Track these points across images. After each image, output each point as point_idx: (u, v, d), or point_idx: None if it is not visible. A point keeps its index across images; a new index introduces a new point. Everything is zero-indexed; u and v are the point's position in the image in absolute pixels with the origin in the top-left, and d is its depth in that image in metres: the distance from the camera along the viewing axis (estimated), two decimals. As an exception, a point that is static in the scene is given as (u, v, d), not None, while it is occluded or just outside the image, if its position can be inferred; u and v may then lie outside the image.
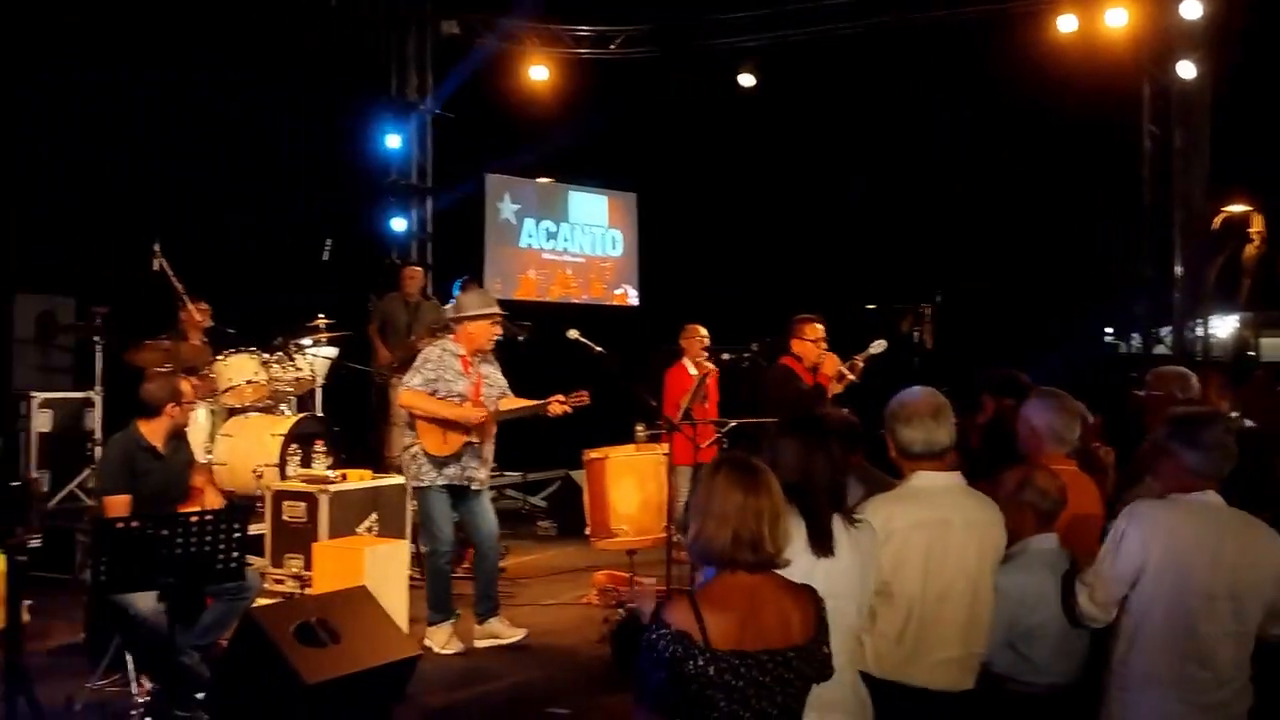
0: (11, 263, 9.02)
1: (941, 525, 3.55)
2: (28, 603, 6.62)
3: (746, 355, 9.15)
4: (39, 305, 9.13)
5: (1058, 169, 12.12)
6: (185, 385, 5.98)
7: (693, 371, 8.60)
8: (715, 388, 8.80)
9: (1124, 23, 10.69)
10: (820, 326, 7.37)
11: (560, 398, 6.45)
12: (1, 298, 8.96)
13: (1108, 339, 13.92)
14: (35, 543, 6.93)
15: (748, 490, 2.69)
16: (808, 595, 2.76)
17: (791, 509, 3.05)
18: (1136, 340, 12.34)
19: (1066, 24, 10.89)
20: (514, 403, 6.67)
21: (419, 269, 10.77)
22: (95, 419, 8.60)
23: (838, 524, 3.18)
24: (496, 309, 6.63)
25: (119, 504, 5.46)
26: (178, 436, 5.90)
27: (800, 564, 2.96)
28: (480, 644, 6.55)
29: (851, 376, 7.25)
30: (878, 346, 7.31)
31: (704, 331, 8.81)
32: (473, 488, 6.53)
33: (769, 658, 2.62)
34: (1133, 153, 11.33)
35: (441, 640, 6.44)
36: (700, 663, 2.55)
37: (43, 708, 4.51)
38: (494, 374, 6.66)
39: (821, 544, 3.10)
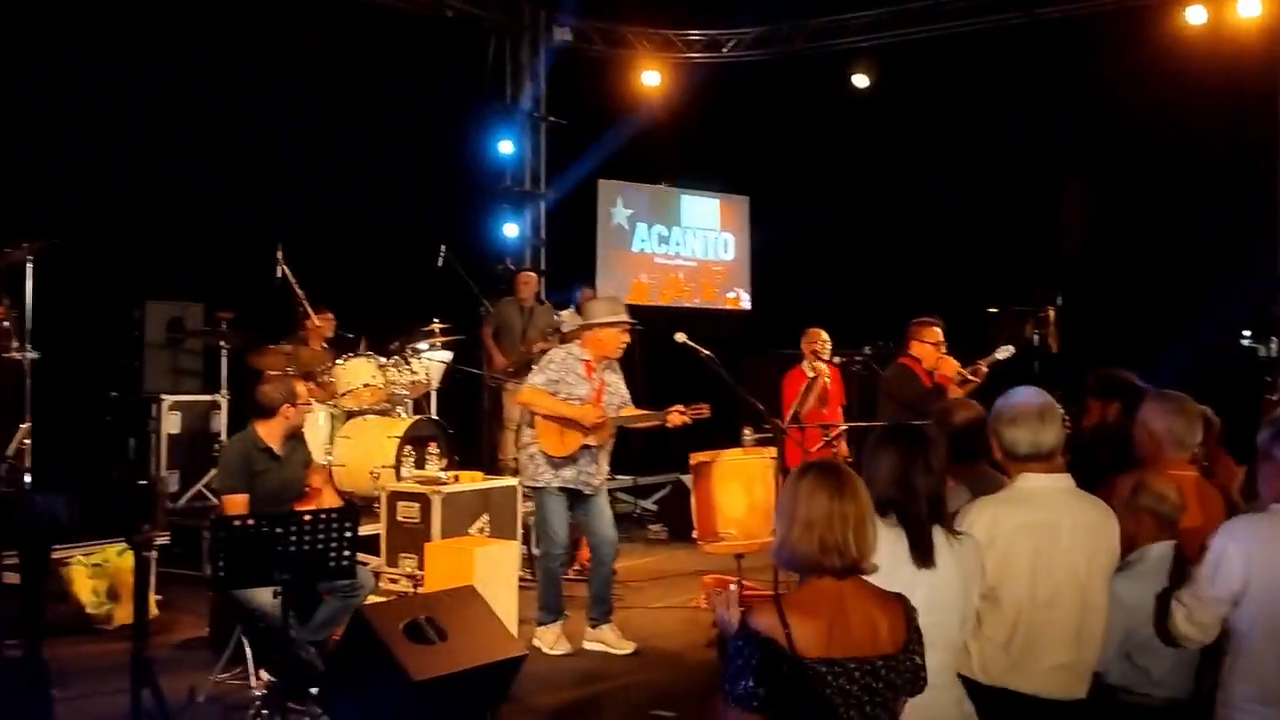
0: (143, 271, 9.37)
1: (1049, 528, 3.45)
2: (157, 598, 6.93)
3: (859, 358, 9.03)
4: (169, 311, 9.43)
5: (1189, 167, 11.69)
6: (300, 387, 6.13)
7: (810, 374, 8.53)
8: (839, 391, 8.71)
9: (1258, 13, 10.32)
10: (939, 330, 7.30)
11: (680, 408, 6.38)
12: (134, 304, 9.30)
13: (1245, 342, 13.34)
14: (163, 540, 7.16)
15: (833, 495, 2.64)
16: (898, 603, 2.71)
17: (891, 520, 3.00)
18: (1276, 343, 11.81)
19: (1195, 16, 10.57)
20: (634, 412, 6.65)
21: (533, 274, 10.90)
22: (221, 421, 8.87)
23: (939, 535, 3.11)
24: (626, 317, 6.58)
25: (237, 502, 5.62)
26: (295, 437, 6.06)
27: (901, 576, 2.91)
28: (589, 646, 6.58)
29: (975, 380, 7.14)
30: (1004, 352, 7.19)
31: (824, 335, 8.72)
32: (586, 491, 6.54)
33: (856, 666, 2.58)
34: (1270, 149, 10.88)
35: (550, 641, 6.48)
36: (785, 669, 2.52)
37: (166, 698, 4.68)
38: (617, 383, 6.63)
39: (923, 554, 3.03)
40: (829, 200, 12.95)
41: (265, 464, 5.82)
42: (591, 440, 6.43)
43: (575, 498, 6.55)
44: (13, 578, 5.42)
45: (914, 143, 12.48)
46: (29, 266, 7.15)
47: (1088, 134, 11.83)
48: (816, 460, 2.83)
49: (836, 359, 8.91)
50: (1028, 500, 3.49)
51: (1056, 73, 11.37)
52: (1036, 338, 11.39)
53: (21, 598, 5.32)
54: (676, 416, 6.36)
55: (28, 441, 7.06)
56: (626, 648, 6.56)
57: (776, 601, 2.62)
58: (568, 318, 10.11)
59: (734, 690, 2.56)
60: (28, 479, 6.65)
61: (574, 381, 6.43)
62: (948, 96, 12.16)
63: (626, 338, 6.54)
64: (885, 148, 12.61)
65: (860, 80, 12.46)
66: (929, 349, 7.24)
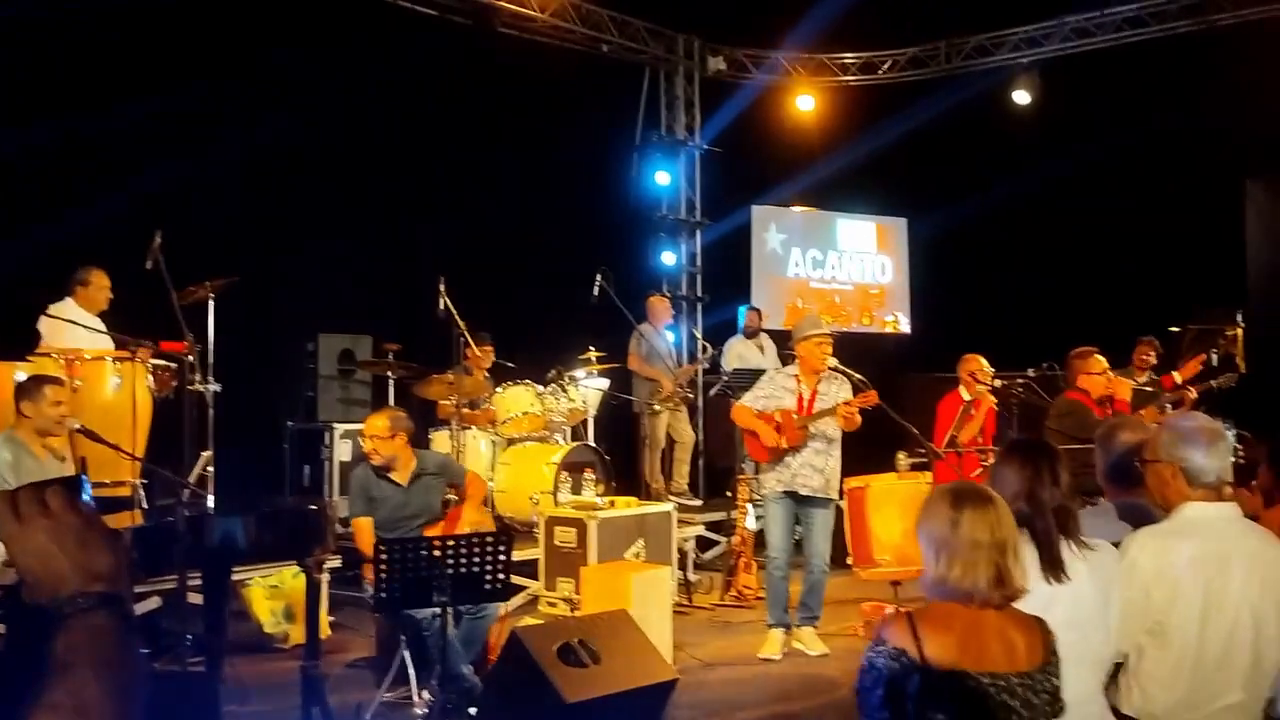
0: (315, 305, 9.83)
1: (1220, 560, 3.28)
2: (330, 619, 7.20)
3: (1021, 382, 8.76)
4: (340, 344, 9.84)
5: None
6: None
7: (966, 399, 8.35)
8: (991, 419, 8.49)
9: None
10: (1102, 359, 7.15)
11: (844, 401, 6.61)
12: (307, 337, 9.75)
13: None
14: (334, 563, 7.44)
15: (994, 526, 2.61)
16: (1035, 624, 2.66)
17: (1021, 534, 2.94)
18: None
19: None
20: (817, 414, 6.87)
21: (665, 298, 11.06)
22: (390, 449, 9.17)
23: (1069, 549, 3.03)
24: (820, 330, 6.94)
25: (363, 525, 5.87)
26: (428, 467, 6.21)
27: (1038, 593, 2.84)
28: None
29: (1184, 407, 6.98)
30: (1226, 380, 7.02)
31: (982, 361, 8.50)
32: (803, 493, 6.75)
33: (991, 681, 2.54)
34: None
35: (764, 645, 6.84)
36: (916, 680, 2.50)
37: (334, 715, 4.87)
38: (832, 392, 6.83)
39: (1054, 569, 2.97)
40: (990, 220, 12.66)
41: (385, 490, 6.01)
42: (783, 443, 6.70)
43: (801, 504, 6.80)
44: (196, 598, 5.75)
45: (1079, 158, 12.08)
46: (210, 303, 7.60)
47: (1268, 135, 11.25)
48: (963, 485, 2.78)
49: (998, 381, 8.67)
50: (1196, 531, 3.33)
51: (1227, 79, 10.89)
52: (1215, 357, 10.85)
53: (204, 617, 5.66)
54: (844, 407, 6.55)
55: (210, 468, 7.49)
56: (819, 649, 6.87)
57: (909, 615, 2.61)
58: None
59: (867, 702, 2.57)
60: (210, 504, 7.03)
61: (781, 395, 6.89)
62: (1113, 109, 11.78)
63: (824, 349, 6.81)
64: (1049, 164, 12.26)
65: (1021, 96, 12.19)
66: (1096, 379, 7.08)
